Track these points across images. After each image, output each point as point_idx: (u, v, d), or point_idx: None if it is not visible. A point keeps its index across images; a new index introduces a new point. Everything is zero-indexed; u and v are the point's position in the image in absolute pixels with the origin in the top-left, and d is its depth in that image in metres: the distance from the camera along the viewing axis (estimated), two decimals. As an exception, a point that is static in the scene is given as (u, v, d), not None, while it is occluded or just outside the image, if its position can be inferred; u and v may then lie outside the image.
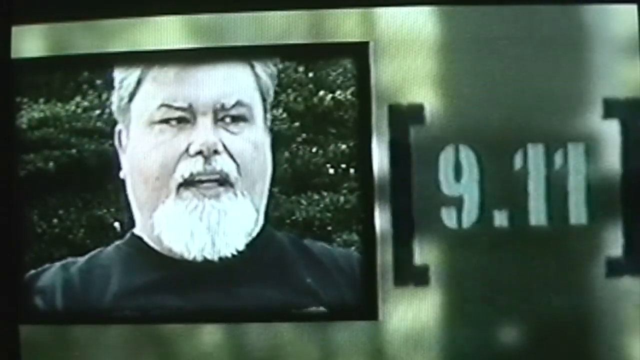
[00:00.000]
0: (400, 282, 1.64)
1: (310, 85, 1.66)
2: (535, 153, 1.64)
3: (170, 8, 1.69)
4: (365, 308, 1.65)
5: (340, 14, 1.66)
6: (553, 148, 1.64)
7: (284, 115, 1.66)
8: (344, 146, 1.66)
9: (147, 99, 1.68)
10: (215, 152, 1.64)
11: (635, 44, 1.64)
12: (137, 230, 1.69)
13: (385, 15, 1.66)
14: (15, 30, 1.72)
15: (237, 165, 1.64)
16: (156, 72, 1.68)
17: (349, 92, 1.66)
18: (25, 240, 1.71)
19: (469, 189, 1.64)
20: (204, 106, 1.65)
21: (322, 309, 1.66)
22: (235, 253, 1.66)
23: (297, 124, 1.66)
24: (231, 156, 1.64)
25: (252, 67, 1.67)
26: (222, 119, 1.65)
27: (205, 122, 1.65)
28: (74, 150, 1.70)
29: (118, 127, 1.69)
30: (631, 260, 1.62)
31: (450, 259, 1.65)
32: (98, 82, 1.70)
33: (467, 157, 1.63)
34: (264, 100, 1.67)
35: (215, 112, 1.65)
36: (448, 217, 1.64)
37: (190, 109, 1.65)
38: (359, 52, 1.65)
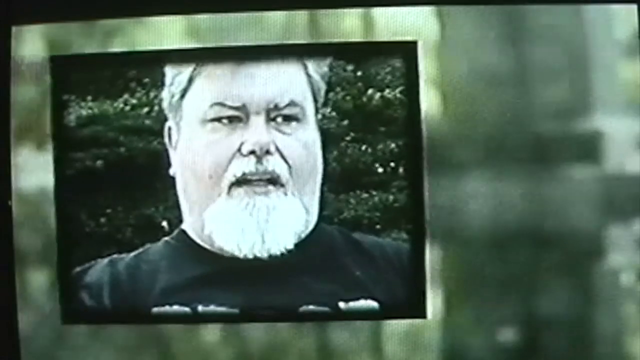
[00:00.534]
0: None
1: (359, 84, 1.67)
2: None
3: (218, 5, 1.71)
4: (415, 306, 1.66)
5: (391, 12, 1.67)
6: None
7: (333, 113, 1.67)
8: (393, 145, 1.66)
9: (199, 96, 1.68)
10: (268, 152, 1.64)
11: (635, 44, 1.65)
12: (185, 227, 1.69)
13: (434, 14, 1.67)
14: (15, 30, 1.72)
15: (289, 166, 1.65)
16: (209, 70, 1.68)
17: (397, 90, 1.66)
18: (73, 239, 1.71)
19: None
20: (257, 105, 1.65)
21: (373, 305, 1.66)
22: (284, 251, 1.66)
23: (345, 122, 1.67)
24: (283, 157, 1.64)
25: (305, 67, 1.67)
26: (275, 119, 1.65)
27: (258, 122, 1.65)
28: (122, 148, 1.71)
29: (168, 124, 1.69)
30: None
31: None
32: (146, 79, 1.70)
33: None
34: (315, 100, 1.67)
35: (268, 111, 1.65)
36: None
37: (243, 108, 1.66)
38: (407, 51, 1.65)
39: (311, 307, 1.67)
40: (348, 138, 1.67)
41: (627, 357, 1.66)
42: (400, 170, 1.66)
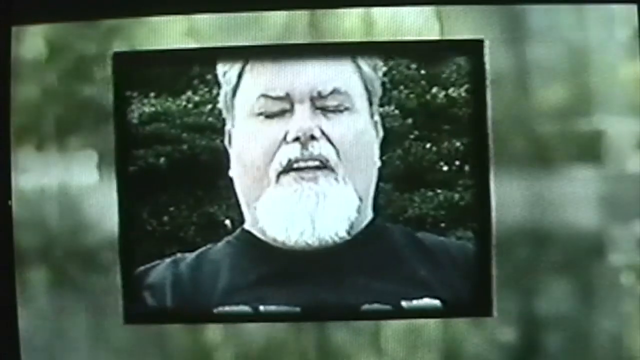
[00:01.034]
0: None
1: (424, 82, 1.67)
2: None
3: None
4: (480, 303, 1.66)
5: (457, 10, 1.67)
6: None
7: (396, 111, 1.67)
8: (458, 143, 1.66)
9: (247, 91, 1.68)
10: (312, 137, 1.64)
11: (635, 44, 1.65)
12: (247, 226, 1.70)
13: (499, 12, 1.67)
14: (15, 30, 1.73)
15: (336, 150, 1.65)
16: (255, 65, 1.68)
17: (463, 89, 1.66)
18: (135, 239, 1.72)
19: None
20: (301, 94, 1.66)
21: (435, 301, 1.67)
22: (336, 238, 1.66)
23: (409, 120, 1.67)
24: (330, 141, 1.65)
25: (353, 59, 1.67)
26: (320, 107, 1.65)
27: (302, 110, 1.65)
28: (185, 146, 1.71)
29: (227, 127, 1.69)
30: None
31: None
32: (209, 76, 1.70)
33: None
34: (368, 91, 1.67)
35: (312, 99, 1.66)
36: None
37: (287, 97, 1.66)
38: (474, 50, 1.65)
39: (373, 305, 1.68)
40: (412, 136, 1.67)
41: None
42: (466, 168, 1.66)
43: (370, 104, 1.67)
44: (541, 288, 1.66)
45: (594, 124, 1.67)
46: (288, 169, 1.65)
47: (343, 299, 1.68)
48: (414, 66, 1.66)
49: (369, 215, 1.67)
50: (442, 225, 1.66)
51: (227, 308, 1.70)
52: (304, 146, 1.65)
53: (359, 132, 1.66)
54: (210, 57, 1.70)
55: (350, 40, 1.69)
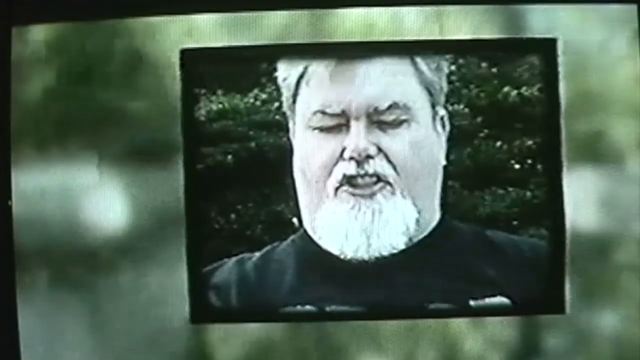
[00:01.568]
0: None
1: (495, 81, 1.67)
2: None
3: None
4: (553, 301, 1.66)
5: (527, 10, 1.68)
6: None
7: (466, 110, 1.67)
8: (530, 141, 1.67)
9: (304, 104, 1.68)
10: (368, 156, 1.64)
11: (635, 44, 1.66)
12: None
13: (574, 11, 1.68)
14: (15, 30, 1.72)
15: (394, 166, 1.64)
16: (313, 73, 1.68)
17: (536, 88, 1.67)
18: (203, 237, 1.71)
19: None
20: (357, 111, 1.65)
21: (505, 301, 1.67)
22: (393, 252, 1.66)
23: (479, 119, 1.67)
24: (387, 158, 1.64)
25: (414, 63, 1.67)
26: (377, 122, 1.65)
27: (358, 127, 1.65)
28: (252, 144, 1.70)
29: (290, 126, 1.70)
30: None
31: None
32: (276, 74, 1.70)
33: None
34: (430, 94, 1.67)
35: (368, 115, 1.65)
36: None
37: (343, 114, 1.66)
38: (547, 48, 1.66)
39: (439, 305, 1.68)
40: (482, 134, 1.67)
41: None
42: (539, 166, 1.66)
43: (433, 105, 1.67)
44: (615, 286, 1.66)
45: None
46: (345, 185, 1.65)
47: (410, 298, 1.67)
48: (484, 65, 1.67)
49: (434, 219, 1.67)
50: (515, 223, 1.66)
51: (292, 308, 1.69)
52: (360, 165, 1.64)
53: (419, 143, 1.66)
54: (275, 54, 1.70)
55: (415, 39, 1.69)
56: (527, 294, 1.66)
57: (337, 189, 1.66)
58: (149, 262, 1.71)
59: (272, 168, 1.70)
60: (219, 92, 1.71)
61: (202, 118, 1.71)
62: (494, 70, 1.67)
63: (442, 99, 1.67)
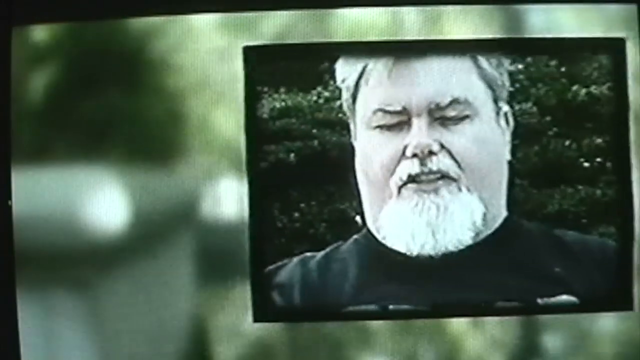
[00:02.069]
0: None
1: (564, 80, 1.67)
2: None
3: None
4: (621, 298, 1.66)
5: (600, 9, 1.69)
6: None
7: (534, 108, 1.67)
8: (599, 140, 1.67)
9: (363, 103, 1.68)
10: (431, 152, 1.63)
11: (635, 44, 1.68)
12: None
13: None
14: (15, 30, 1.71)
15: (457, 162, 1.64)
16: (372, 73, 1.67)
17: (605, 86, 1.67)
18: (265, 236, 1.69)
19: None
20: (418, 107, 1.64)
21: (572, 298, 1.66)
22: (461, 248, 1.65)
23: (548, 117, 1.67)
24: (450, 154, 1.64)
25: (475, 59, 1.67)
26: (439, 118, 1.65)
27: (419, 124, 1.64)
28: (315, 142, 1.69)
29: (351, 127, 1.69)
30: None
31: None
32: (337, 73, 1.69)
33: None
34: (492, 90, 1.66)
35: (429, 112, 1.64)
36: None
37: (404, 111, 1.65)
38: (616, 48, 1.66)
39: (507, 303, 1.66)
40: (551, 133, 1.67)
41: None
42: (608, 165, 1.66)
43: (495, 101, 1.66)
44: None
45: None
46: (409, 182, 1.64)
47: (475, 297, 1.66)
48: (553, 63, 1.67)
49: (500, 216, 1.66)
50: (584, 221, 1.65)
51: (355, 307, 1.67)
52: (422, 162, 1.63)
53: (482, 138, 1.65)
54: (337, 52, 1.69)
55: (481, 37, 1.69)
56: (595, 292, 1.65)
57: (400, 187, 1.64)
58: (150, 262, 1.69)
59: (336, 166, 1.68)
60: (282, 89, 1.69)
61: (265, 116, 1.69)
62: (563, 69, 1.67)
63: (505, 95, 1.66)
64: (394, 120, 1.65)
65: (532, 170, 1.66)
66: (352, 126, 1.68)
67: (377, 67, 1.67)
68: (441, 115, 1.64)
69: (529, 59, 1.67)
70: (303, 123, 1.69)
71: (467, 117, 1.65)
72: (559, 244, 1.66)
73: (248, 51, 1.70)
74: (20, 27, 1.71)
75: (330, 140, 1.68)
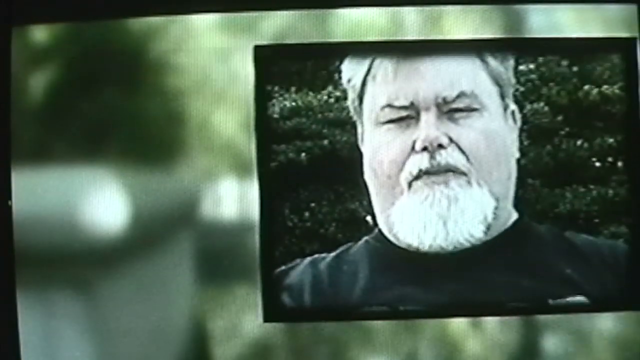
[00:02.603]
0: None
1: (575, 80, 1.67)
2: None
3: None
4: (631, 297, 1.66)
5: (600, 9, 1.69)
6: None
7: (546, 108, 1.67)
8: (611, 140, 1.67)
9: (371, 101, 1.67)
10: (440, 146, 1.63)
11: (635, 43, 1.69)
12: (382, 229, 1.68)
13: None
14: (15, 30, 1.71)
15: (466, 155, 1.63)
16: (379, 71, 1.67)
17: (616, 86, 1.67)
18: (276, 236, 1.68)
19: None
20: (425, 101, 1.64)
21: (582, 299, 1.66)
22: (473, 241, 1.64)
23: (560, 117, 1.67)
24: (459, 148, 1.64)
25: (480, 56, 1.67)
26: (447, 112, 1.64)
27: (428, 118, 1.64)
28: (325, 141, 1.68)
29: (359, 129, 1.68)
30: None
31: None
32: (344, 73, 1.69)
33: None
34: (498, 86, 1.66)
35: (437, 106, 1.64)
36: None
37: (412, 106, 1.65)
38: (627, 48, 1.66)
39: (517, 304, 1.66)
40: (562, 132, 1.67)
41: None
42: (619, 164, 1.66)
43: (502, 97, 1.66)
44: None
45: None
46: (418, 176, 1.64)
47: (486, 297, 1.66)
48: (565, 63, 1.67)
49: (510, 214, 1.66)
50: (596, 221, 1.65)
51: (367, 308, 1.66)
52: (432, 155, 1.63)
53: (490, 132, 1.65)
54: (345, 51, 1.69)
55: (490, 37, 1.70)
56: (606, 292, 1.65)
57: (410, 182, 1.64)
58: (149, 263, 1.68)
59: (346, 166, 1.67)
60: (292, 89, 1.68)
61: (276, 115, 1.68)
62: (574, 68, 1.67)
63: (511, 92, 1.66)
64: (402, 115, 1.65)
65: (543, 170, 1.66)
66: (359, 128, 1.68)
67: (384, 64, 1.67)
68: (449, 109, 1.64)
69: (540, 59, 1.67)
70: (314, 123, 1.68)
71: (475, 110, 1.65)
72: (569, 245, 1.65)
73: (258, 50, 1.69)
74: (20, 27, 1.71)
75: (341, 140, 1.68)
